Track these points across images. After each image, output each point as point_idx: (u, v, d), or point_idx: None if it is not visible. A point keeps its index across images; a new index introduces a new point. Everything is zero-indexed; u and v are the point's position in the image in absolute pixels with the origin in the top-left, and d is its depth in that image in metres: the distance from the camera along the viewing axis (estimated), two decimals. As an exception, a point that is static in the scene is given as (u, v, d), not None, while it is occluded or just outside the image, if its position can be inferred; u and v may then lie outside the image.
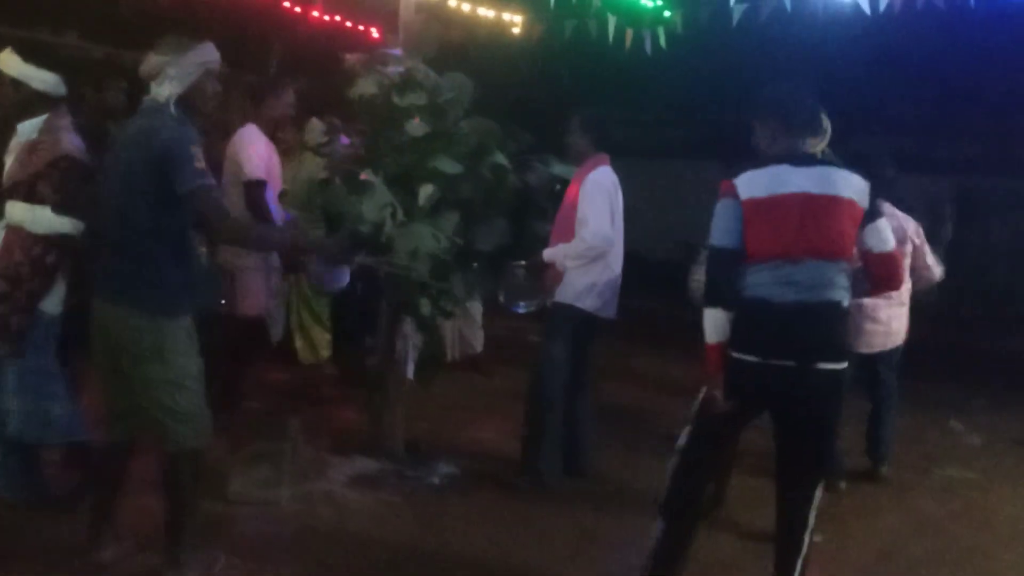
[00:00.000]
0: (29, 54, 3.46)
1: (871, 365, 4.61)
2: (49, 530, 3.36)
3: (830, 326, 2.95)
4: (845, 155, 3.20)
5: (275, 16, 8.31)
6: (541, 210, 4.44)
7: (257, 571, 3.26)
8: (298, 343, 5.33)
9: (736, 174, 3.02)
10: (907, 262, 4.41)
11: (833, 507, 4.23)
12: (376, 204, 4.01)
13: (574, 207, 4.20)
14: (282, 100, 4.55)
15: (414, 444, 4.51)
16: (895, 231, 4.39)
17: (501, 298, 4.40)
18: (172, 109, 2.96)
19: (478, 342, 6.22)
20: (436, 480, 4.23)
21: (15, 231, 3.32)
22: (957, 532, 4.21)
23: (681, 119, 12.19)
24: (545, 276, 4.30)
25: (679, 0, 5.97)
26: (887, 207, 4.47)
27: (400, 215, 4.03)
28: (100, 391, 3.09)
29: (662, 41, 5.95)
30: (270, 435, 3.91)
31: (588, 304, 4.24)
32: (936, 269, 4.63)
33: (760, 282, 2.93)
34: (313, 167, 5.02)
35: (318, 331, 5.38)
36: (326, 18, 8.58)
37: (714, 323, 2.98)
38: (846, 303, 2.96)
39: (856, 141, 4.05)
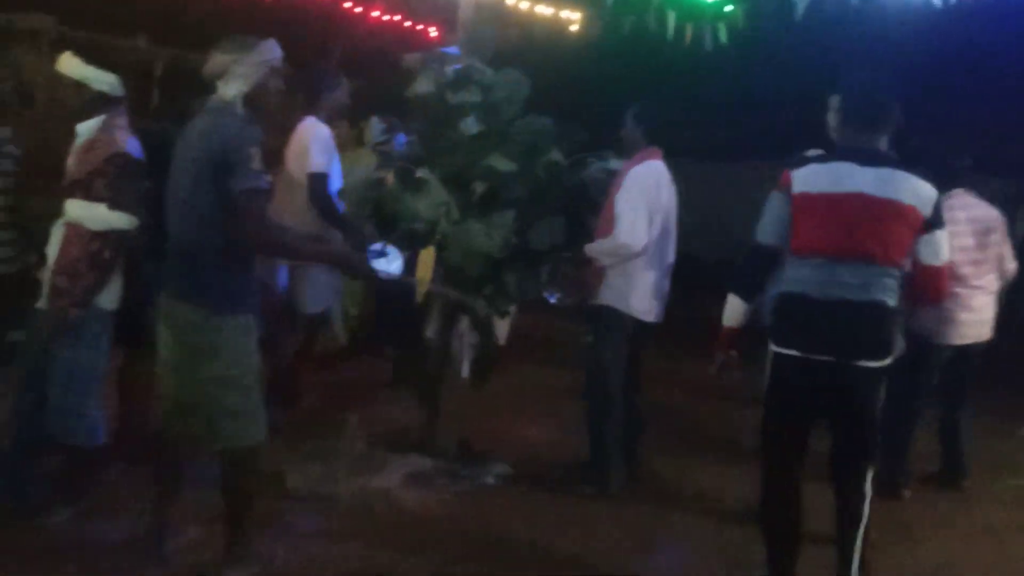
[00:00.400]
0: (90, 56, 3.54)
1: (958, 361, 4.43)
2: (111, 525, 3.43)
3: (872, 325, 2.92)
4: (910, 152, 3.14)
5: (336, 16, 8.41)
6: (597, 207, 4.36)
7: (314, 567, 3.30)
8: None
9: (800, 166, 3.01)
10: (993, 252, 4.34)
11: (898, 514, 4.14)
12: (432, 202, 4.04)
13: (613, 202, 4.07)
14: (339, 92, 4.54)
15: (467, 443, 4.52)
16: (977, 220, 4.33)
17: (545, 292, 4.33)
18: (239, 108, 3.00)
19: (501, 335, 6.12)
20: (490, 480, 4.22)
21: (73, 227, 3.38)
22: (1025, 543, 4.07)
23: (741, 118, 11.99)
24: (586, 272, 4.20)
25: (741, -6, 5.85)
26: (969, 198, 4.36)
27: (455, 213, 4.04)
28: (164, 386, 3.14)
29: (723, 37, 5.86)
30: (326, 432, 3.95)
31: (629, 307, 4.10)
32: (1013, 264, 4.52)
33: (804, 278, 2.92)
34: (369, 164, 5.06)
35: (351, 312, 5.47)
36: (385, 18, 8.67)
37: (732, 310, 3.16)
38: (892, 303, 2.92)
39: (918, 140, 3.94)
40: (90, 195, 3.38)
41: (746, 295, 3.12)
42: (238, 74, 2.99)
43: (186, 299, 2.96)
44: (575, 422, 4.47)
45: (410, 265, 5.26)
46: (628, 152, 4.23)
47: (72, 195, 3.40)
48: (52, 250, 3.41)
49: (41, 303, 3.42)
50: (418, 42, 8.65)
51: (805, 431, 3.12)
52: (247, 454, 3.06)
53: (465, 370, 4.55)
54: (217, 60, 3.01)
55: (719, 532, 3.93)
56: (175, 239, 3.02)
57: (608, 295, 4.12)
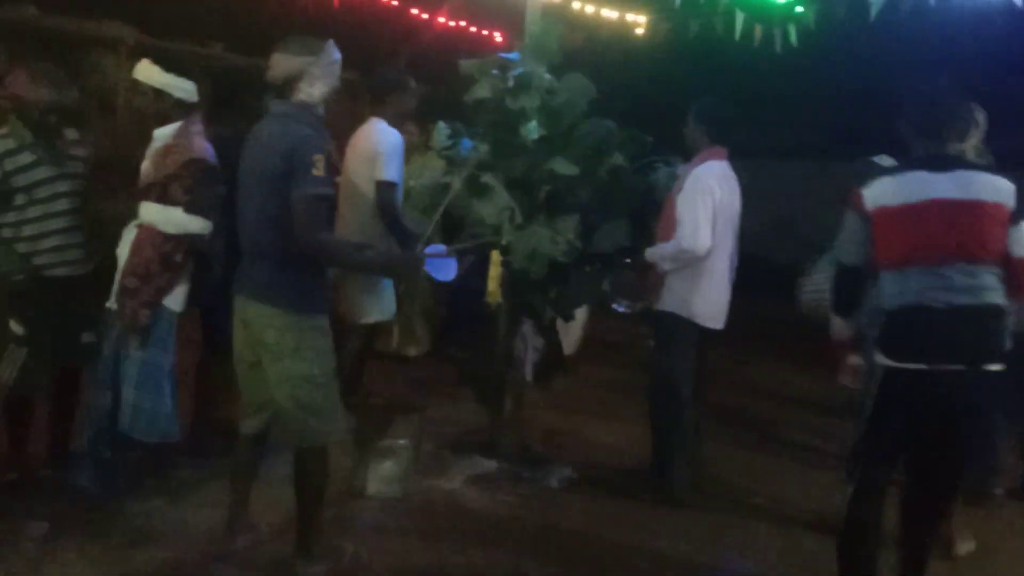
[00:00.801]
0: (167, 63, 3.64)
1: None
2: (186, 516, 3.55)
3: (993, 328, 2.88)
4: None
5: (403, 22, 8.52)
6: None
7: (380, 564, 3.35)
8: (396, 334, 5.46)
9: (863, 176, 2.95)
10: None
11: (988, 519, 4.04)
12: (496, 207, 4.07)
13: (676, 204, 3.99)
14: (408, 94, 4.55)
15: (531, 446, 4.54)
16: None
17: (607, 297, 4.31)
18: (320, 110, 3.04)
19: (569, 344, 6.09)
20: (554, 483, 4.23)
21: (147, 230, 3.49)
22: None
23: (809, 119, 11.78)
24: (647, 277, 4.14)
25: (812, -5, 5.74)
26: None
27: (519, 217, 4.06)
28: (241, 384, 3.24)
29: (793, 38, 5.76)
30: (393, 431, 4.00)
31: (692, 313, 4.01)
32: None
33: (911, 289, 2.86)
34: (436, 169, 5.11)
35: (420, 323, 5.48)
36: (451, 23, 8.75)
37: (839, 328, 3.21)
38: (1003, 304, 2.87)
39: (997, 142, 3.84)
40: (166, 199, 3.48)
41: (846, 313, 3.17)
42: (318, 75, 3.01)
43: (263, 301, 3.02)
44: (639, 426, 4.45)
45: (477, 270, 5.33)
46: (691, 152, 4.16)
47: (147, 198, 3.50)
48: (123, 251, 3.53)
49: (112, 303, 3.53)
50: (483, 47, 8.72)
51: (904, 452, 3.03)
52: (323, 451, 3.12)
53: (529, 373, 4.55)
54: (292, 63, 2.99)
55: (787, 540, 3.87)
56: (249, 242, 3.08)
57: (670, 301, 4.05)
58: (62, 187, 3.57)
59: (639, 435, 4.40)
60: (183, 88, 3.64)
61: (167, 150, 3.57)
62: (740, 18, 5.74)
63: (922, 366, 2.85)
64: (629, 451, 4.66)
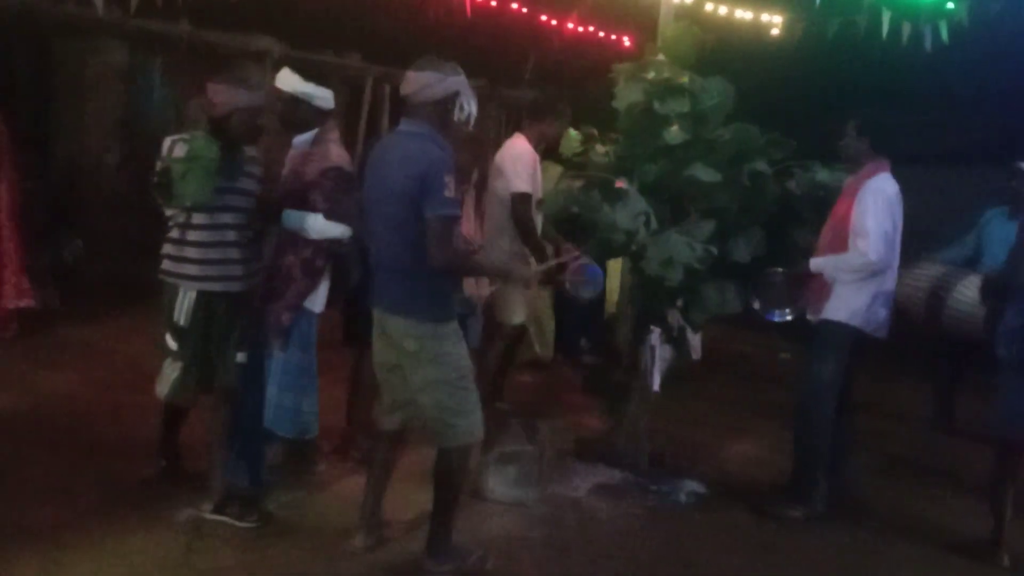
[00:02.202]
0: (307, 72, 3.76)
1: None
2: (322, 510, 3.64)
3: None
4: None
5: (532, 29, 8.54)
6: (802, 219, 4.16)
7: (506, 572, 3.34)
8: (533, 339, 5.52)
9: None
10: None
11: None
12: (630, 212, 3.99)
13: (848, 216, 3.89)
14: (560, 123, 4.66)
15: (658, 457, 4.43)
16: None
17: (755, 304, 4.16)
18: (452, 130, 3.12)
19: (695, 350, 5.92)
20: (682, 497, 4.11)
21: (289, 236, 3.61)
22: None
23: (961, 121, 11.07)
24: (807, 287, 4.03)
25: (964, -11, 5.40)
26: None
27: (654, 223, 3.98)
28: (382, 388, 3.30)
29: (944, 35, 5.44)
30: (518, 437, 3.99)
31: (862, 321, 3.92)
32: None
33: None
34: (567, 176, 5.09)
35: (550, 328, 5.52)
36: (580, 29, 8.72)
37: None
38: None
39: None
40: (306, 206, 3.59)
41: None
42: (468, 96, 3.09)
43: (400, 313, 3.09)
44: (770, 439, 4.29)
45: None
46: (852, 164, 4.05)
47: (286, 204, 3.61)
48: (269, 256, 3.67)
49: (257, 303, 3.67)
50: (613, 52, 8.64)
51: None
52: (465, 451, 3.18)
53: (656, 383, 4.45)
54: (443, 84, 3.03)
55: (935, 566, 3.64)
56: (383, 255, 3.14)
57: (837, 310, 3.94)
58: (232, 201, 3.40)
59: (771, 448, 4.24)
60: (322, 96, 3.76)
61: (306, 158, 3.69)
62: (886, 16, 5.47)
63: None
64: (761, 465, 4.49)
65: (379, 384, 3.32)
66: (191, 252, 3.35)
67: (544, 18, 8.50)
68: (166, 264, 3.40)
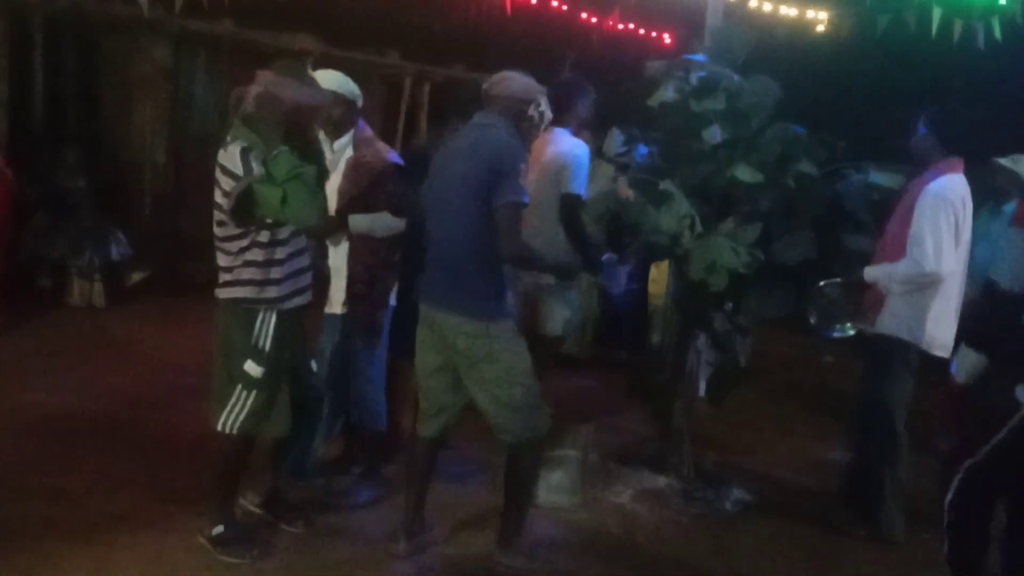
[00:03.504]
0: (347, 71, 3.69)
1: None
2: (369, 513, 3.63)
3: None
4: None
5: (572, 26, 8.49)
6: (855, 223, 4.02)
7: (546, 574, 3.31)
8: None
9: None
10: None
11: None
12: (674, 215, 3.93)
13: (907, 221, 3.64)
14: (589, 100, 4.49)
15: (703, 464, 4.37)
16: None
17: (811, 319, 3.95)
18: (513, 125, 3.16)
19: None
20: (728, 505, 4.05)
21: (361, 239, 3.61)
22: None
23: (1013, 120, 10.76)
24: (864, 298, 3.82)
25: (1018, -15, 5.24)
26: None
27: (698, 226, 3.91)
28: (427, 389, 3.27)
29: (997, 33, 5.30)
30: (561, 441, 3.95)
31: (918, 337, 3.67)
32: None
33: None
34: (609, 176, 5.02)
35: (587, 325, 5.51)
36: (620, 27, 8.65)
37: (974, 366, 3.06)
38: None
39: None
40: (370, 207, 3.58)
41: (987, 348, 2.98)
42: (545, 96, 3.22)
43: (454, 309, 3.08)
44: (818, 446, 4.19)
45: (638, 276, 5.21)
46: (921, 164, 3.80)
47: (352, 210, 3.58)
48: (337, 263, 3.67)
49: (334, 308, 3.70)
50: (653, 50, 8.56)
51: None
52: (529, 447, 3.18)
53: (701, 388, 4.39)
54: (531, 85, 3.20)
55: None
56: (442, 250, 3.12)
57: (894, 324, 3.70)
58: None
59: (819, 456, 4.13)
60: (359, 95, 3.68)
61: (357, 163, 3.62)
62: (937, 12, 5.34)
63: None
64: (809, 474, 4.40)
65: (420, 390, 3.30)
66: (276, 272, 3.03)
67: (584, 15, 8.46)
68: (247, 292, 3.02)
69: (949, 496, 2.91)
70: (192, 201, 7.49)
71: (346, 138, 3.65)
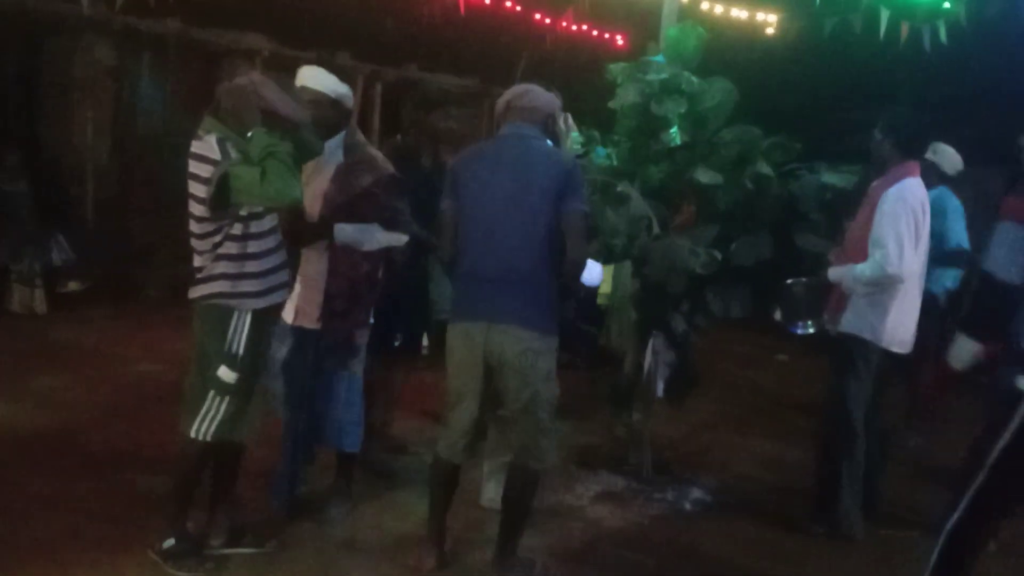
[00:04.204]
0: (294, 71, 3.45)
1: None
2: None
3: None
4: None
5: (525, 28, 8.49)
6: (809, 223, 4.07)
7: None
8: None
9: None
10: None
11: None
12: (632, 217, 3.93)
13: (869, 223, 3.67)
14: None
15: (662, 464, 4.38)
16: None
17: (777, 316, 4.00)
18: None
19: None
20: (687, 505, 4.06)
21: (344, 251, 3.34)
22: None
23: (962, 120, 11.01)
24: (828, 297, 3.86)
25: (962, -10, 5.36)
26: None
27: (656, 228, 3.92)
28: (451, 409, 3.14)
29: (943, 36, 5.42)
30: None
31: (879, 336, 3.71)
32: None
33: None
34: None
35: None
36: (573, 28, 8.66)
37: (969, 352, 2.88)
38: None
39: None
40: (355, 218, 3.32)
41: (984, 337, 2.84)
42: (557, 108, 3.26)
43: (521, 324, 2.96)
44: (776, 444, 4.22)
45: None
46: (879, 167, 3.83)
47: (335, 219, 3.32)
48: (310, 271, 3.38)
49: (301, 321, 3.40)
50: (607, 51, 8.59)
51: None
52: (543, 471, 3.14)
53: (660, 389, 4.39)
54: (553, 100, 3.22)
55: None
56: (501, 266, 2.98)
57: (855, 323, 3.74)
58: None
59: (776, 453, 4.16)
60: (350, 94, 3.46)
61: (350, 169, 3.38)
62: (885, 15, 5.44)
63: None
64: (766, 471, 4.43)
65: (450, 414, 3.15)
66: (252, 266, 2.91)
67: (538, 16, 8.45)
68: (221, 286, 2.90)
69: (953, 520, 2.71)
70: (137, 204, 7.31)
71: (336, 140, 3.36)
